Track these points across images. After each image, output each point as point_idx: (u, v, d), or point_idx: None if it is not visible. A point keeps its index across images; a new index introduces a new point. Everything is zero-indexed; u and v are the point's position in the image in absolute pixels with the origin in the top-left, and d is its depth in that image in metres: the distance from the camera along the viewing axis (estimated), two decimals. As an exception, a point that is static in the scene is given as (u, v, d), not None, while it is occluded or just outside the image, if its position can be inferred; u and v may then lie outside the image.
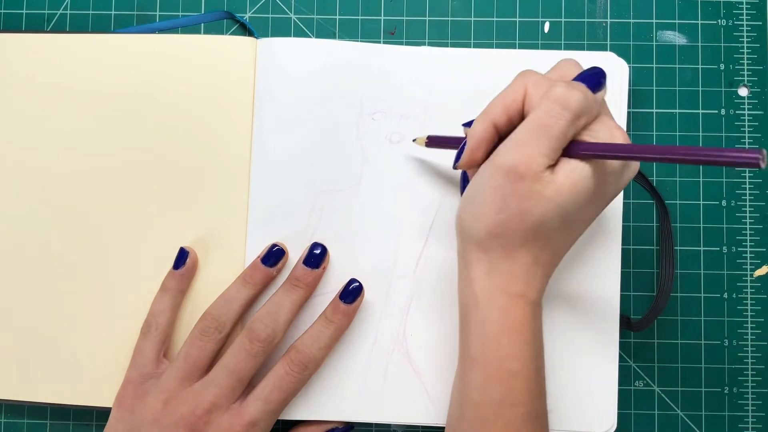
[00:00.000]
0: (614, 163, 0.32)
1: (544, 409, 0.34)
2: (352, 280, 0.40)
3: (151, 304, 0.40)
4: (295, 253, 0.40)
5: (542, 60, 0.42)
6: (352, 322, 0.40)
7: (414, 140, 0.40)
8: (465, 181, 0.38)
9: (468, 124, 0.35)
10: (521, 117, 0.33)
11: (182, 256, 0.40)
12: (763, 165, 0.24)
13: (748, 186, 0.43)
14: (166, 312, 0.40)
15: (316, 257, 0.40)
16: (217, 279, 0.41)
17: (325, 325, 0.39)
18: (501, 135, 0.33)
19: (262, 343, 0.37)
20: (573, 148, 0.31)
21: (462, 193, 0.37)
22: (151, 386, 0.38)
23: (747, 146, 0.43)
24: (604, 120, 0.32)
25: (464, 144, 0.34)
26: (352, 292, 0.39)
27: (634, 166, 0.34)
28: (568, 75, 0.33)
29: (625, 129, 0.41)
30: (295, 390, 0.38)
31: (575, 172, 0.31)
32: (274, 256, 0.40)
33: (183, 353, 0.38)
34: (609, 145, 0.31)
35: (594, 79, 0.32)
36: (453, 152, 0.36)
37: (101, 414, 0.43)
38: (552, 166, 0.31)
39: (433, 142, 0.39)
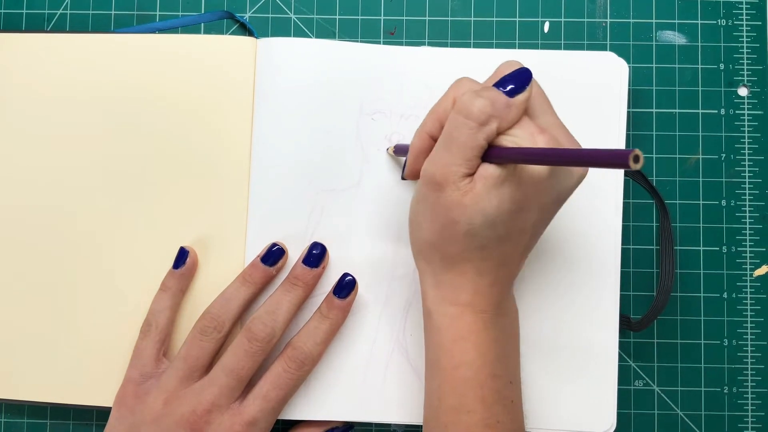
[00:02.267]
0: (536, 169, 0.31)
1: (509, 415, 0.34)
2: (345, 274, 0.40)
3: (151, 304, 0.40)
4: (295, 253, 0.40)
5: (542, 60, 0.42)
6: (347, 316, 0.40)
7: (387, 149, 0.41)
8: None
9: None
10: None
11: (182, 255, 0.40)
12: (635, 166, 0.23)
13: (748, 186, 0.43)
14: (166, 311, 0.40)
15: (316, 257, 0.40)
16: (217, 279, 0.41)
17: (320, 320, 0.39)
18: None
19: (260, 342, 0.37)
20: (489, 154, 0.31)
21: None
22: (152, 386, 0.38)
23: (747, 146, 0.43)
24: (526, 124, 0.31)
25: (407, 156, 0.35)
26: (346, 286, 0.39)
27: (576, 173, 0.32)
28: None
29: (624, 129, 0.41)
30: (294, 387, 0.38)
31: (491, 178, 0.30)
32: (273, 255, 0.40)
33: (183, 353, 0.38)
34: (512, 150, 0.30)
35: (511, 82, 0.31)
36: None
37: (101, 414, 0.43)
38: (472, 174, 0.31)
39: (399, 151, 0.40)
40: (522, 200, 0.31)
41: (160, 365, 0.39)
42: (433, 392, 0.35)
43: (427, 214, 0.33)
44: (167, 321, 0.40)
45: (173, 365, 0.38)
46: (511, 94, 0.31)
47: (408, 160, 0.36)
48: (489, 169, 0.31)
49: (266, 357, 0.38)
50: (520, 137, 0.31)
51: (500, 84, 0.31)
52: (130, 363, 0.39)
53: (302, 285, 0.39)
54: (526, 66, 0.32)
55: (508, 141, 0.31)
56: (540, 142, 0.31)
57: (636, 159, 0.23)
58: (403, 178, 0.38)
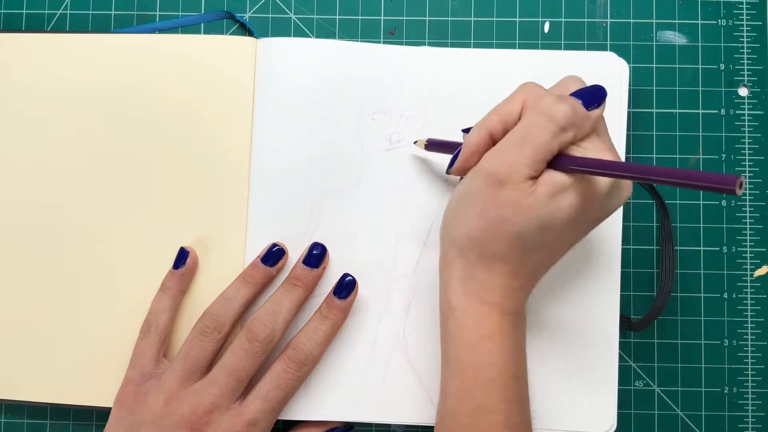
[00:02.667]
0: (601, 183, 0.31)
1: (524, 416, 0.34)
2: (346, 275, 0.40)
3: (151, 304, 0.40)
4: (295, 253, 0.40)
5: (542, 60, 0.42)
6: (347, 317, 0.40)
7: (415, 142, 0.41)
8: None
9: (467, 131, 0.35)
10: None
11: (182, 256, 0.40)
12: (739, 192, 0.24)
13: (748, 186, 0.43)
14: (166, 312, 0.40)
15: (316, 257, 0.40)
16: (217, 279, 0.41)
17: (320, 321, 0.39)
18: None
19: (261, 342, 0.37)
20: (557, 161, 0.31)
21: None
22: (151, 386, 0.38)
23: (747, 147, 0.43)
24: (595, 139, 0.32)
25: (459, 150, 0.35)
26: (346, 287, 0.39)
27: (625, 191, 0.33)
28: (569, 91, 0.33)
29: (625, 129, 0.41)
30: (294, 387, 0.38)
31: (556, 185, 0.31)
32: (273, 255, 0.40)
33: (183, 353, 0.38)
34: (590, 160, 0.30)
35: (590, 95, 0.32)
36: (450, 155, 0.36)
37: (101, 414, 0.43)
38: (535, 178, 0.31)
39: (432, 145, 0.40)
40: (578, 212, 0.31)
41: (160, 365, 0.39)
42: (452, 391, 0.34)
43: (475, 208, 0.33)
44: (167, 321, 0.40)
45: (173, 365, 0.38)
46: (588, 107, 0.31)
47: (462, 156, 0.35)
48: (556, 176, 0.31)
49: (266, 357, 0.38)
50: (590, 150, 0.31)
51: (578, 96, 0.31)
52: (130, 363, 0.39)
53: (302, 285, 0.39)
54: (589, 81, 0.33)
55: (578, 152, 0.31)
56: (607, 158, 0.31)
57: (741, 185, 0.24)
58: (448, 173, 0.37)
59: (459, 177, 0.36)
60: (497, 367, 0.33)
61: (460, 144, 0.36)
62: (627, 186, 0.33)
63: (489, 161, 0.32)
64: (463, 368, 0.34)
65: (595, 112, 0.32)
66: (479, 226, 0.33)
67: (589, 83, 0.41)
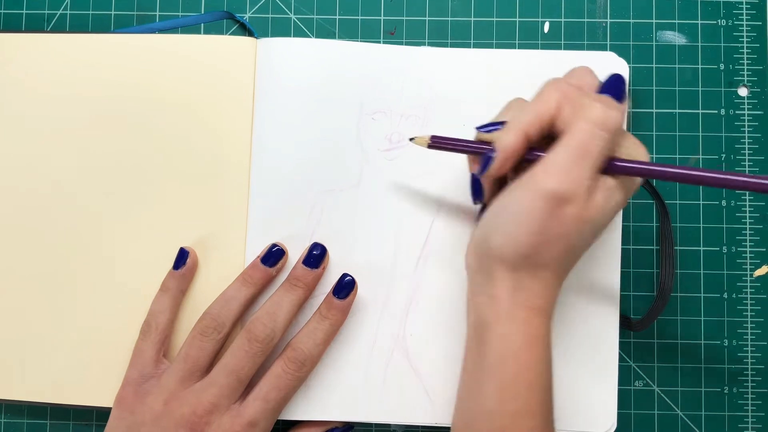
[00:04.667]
0: (636, 183, 0.32)
1: (552, 418, 0.35)
2: (345, 275, 0.40)
3: (151, 304, 0.40)
4: (295, 253, 0.40)
5: (542, 60, 0.42)
6: (347, 317, 0.40)
7: (411, 139, 0.37)
8: (476, 188, 0.36)
9: (483, 128, 0.34)
10: (551, 129, 0.32)
11: (182, 256, 0.40)
12: None
13: (748, 186, 0.43)
14: (166, 312, 0.40)
15: (316, 257, 0.40)
16: (217, 279, 0.41)
17: (319, 321, 0.39)
18: (530, 146, 0.33)
19: (260, 343, 0.37)
20: (610, 167, 0.31)
21: (474, 201, 0.36)
22: (152, 386, 0.38)
23: (747, 147, 0.43)
24: (627, 135, 0.32)
25: (488, 154, 0.33)
26: (345, 287, 0.39)
27: (633, 190, 0.34)
28: (586, 83, 0.33)
29: (625, 129, 0.41)
30: (294, 388, 0.38)
31: (610, 189, 0.31)
32: (273, 256, 0.40)
33: (183, 353, 0.38)
34: (646, 163, 0.31)
35: (617, 89, 0.32)
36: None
37: (101, 414, 0.43)
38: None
39: (438, 143, 0.36)
40: (621, 209, 0.32)
41: (160, 366, 0.39)
42: (487, 396, 0.33)
43: (530, 226, 0.31)
44: (167, 322, 0.40)
45: (173, 366, 0.38)
46: (619, 101, 0.32)
47: (499, 159, 0.32)
48: (609, 182, 0.31)
49: (266, 358, 0.38)
50: (627, 148, 0.31)
51: (608, 92, 0.31)
52: (130, 364, 0.39)
53: (302, 286, 0.39)
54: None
55: (622, 153, 0.31)
56: (641, 154, 0.32)
57: None
58: (481, 175, 0.34)
59: (473, 181, 0.35)
60: (538, 371, 0.33)
61: (469, 142, 0.34)
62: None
63: (550, 180, 0.30)
64: (505, 372, 0.33)
65: (624, 106, 0.32)
66: (534, 242, 0.31)
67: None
